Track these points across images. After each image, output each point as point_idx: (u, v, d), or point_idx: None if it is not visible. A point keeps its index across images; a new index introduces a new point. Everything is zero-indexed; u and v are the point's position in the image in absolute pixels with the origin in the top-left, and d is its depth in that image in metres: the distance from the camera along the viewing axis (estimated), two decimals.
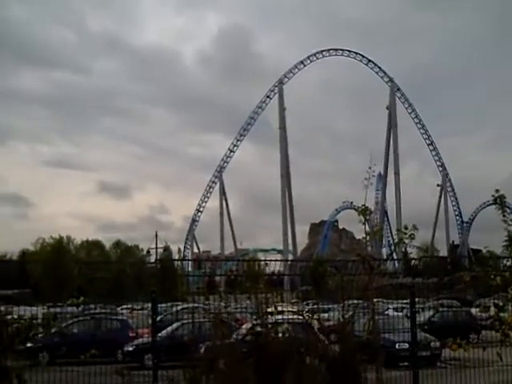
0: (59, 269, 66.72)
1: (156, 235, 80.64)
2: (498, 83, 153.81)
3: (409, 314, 10.93)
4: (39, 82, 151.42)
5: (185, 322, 17.24)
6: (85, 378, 10.20)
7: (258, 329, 7.47)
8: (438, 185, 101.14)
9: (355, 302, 12.54)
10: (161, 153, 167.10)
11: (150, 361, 13.27)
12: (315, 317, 9.25)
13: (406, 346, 12.38)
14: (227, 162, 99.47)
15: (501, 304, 8.45)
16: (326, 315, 13.90)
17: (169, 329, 17.32)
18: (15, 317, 8.43)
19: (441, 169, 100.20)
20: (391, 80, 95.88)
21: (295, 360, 7.27)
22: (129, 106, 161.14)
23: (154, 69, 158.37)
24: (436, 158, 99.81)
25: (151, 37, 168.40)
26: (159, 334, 11.49)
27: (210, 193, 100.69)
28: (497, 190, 9.12)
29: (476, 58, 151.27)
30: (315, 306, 11.59)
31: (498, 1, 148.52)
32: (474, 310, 25.96)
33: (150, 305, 10.04)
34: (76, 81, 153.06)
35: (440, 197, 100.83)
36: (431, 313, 23.97)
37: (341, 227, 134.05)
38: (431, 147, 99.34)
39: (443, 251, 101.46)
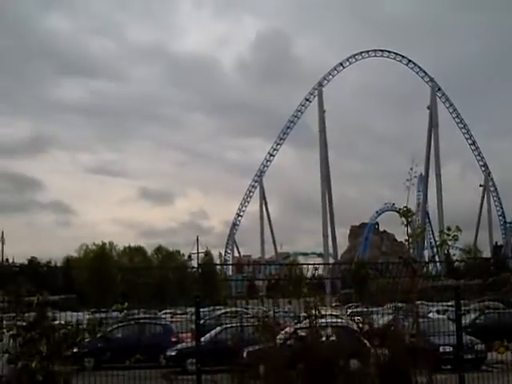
0: (102, 275, 67.56)
1: (197, 240, 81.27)
2: None
3: (452, 317, 10.79)
4: (80, 92, 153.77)
5: (228, 326, 17.34)
6: (130, 382, 10.34)
7: (301, 333, 7.47)
8: (480, 185, 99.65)
9: (398, 304, 12.45)
10: (200, 158, 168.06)
11: (192, 365, 13.38)
12: (360, 320, 9.20)
13: (450, 349, 12.21)
14: (267, 166, 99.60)
15: None
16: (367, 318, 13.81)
17: (212, 333, 17.43)
18: (62, 322, 8.60)
19: (483, 169, 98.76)
20: (432, 80, 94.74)
21: (343, 365, 7.24)
22: (168, 112, 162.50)
23: (192, 75, 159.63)
24: (478, 158, 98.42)
25: (189, 43, 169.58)
26: (202, 339, 11.55)
27: (250, 197, 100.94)
28: None
29: None
30: (358, 310, 11.55)
31: None
32: None
33: (191, 309, 10.12)
34: (116, 89, 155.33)
35: (483, 197, 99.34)
36: (475, 315, 23.64)
37: (381, 229, 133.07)
38: (473, 147, 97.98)
39: (486, 252, 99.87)
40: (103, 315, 19.10)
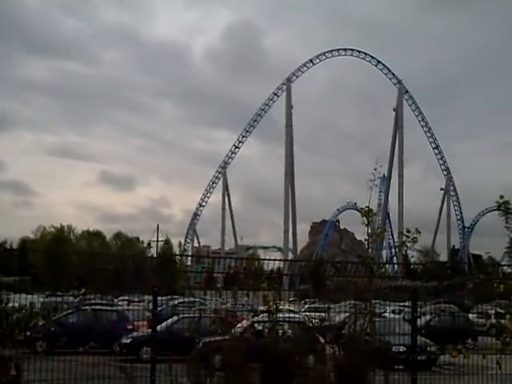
0: (59, 258, 66.68)
1: (157, 228, 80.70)
2: (506, 89, 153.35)
3: (407, 317, 10.91)
4: (47, 71, 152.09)
5: (184, 316, 17.26)
6: (82, 368, 10.22)
7: (258, 327, 7.48)
8: (441, 189, 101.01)
9: (354, 303, 12.55)
10: (166, 146, 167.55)
11: (146, 354, 13.29)
12: (316, 317, 9.25)
13: (404, 349, 12.36)
14: (232, 158, 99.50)
15: (502, 311, 8.45)
16: (323, 315, 13.89)
17: (168, 322, 17.34)
18: (15, 305, 8.45)
19: (445, 173, 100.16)
20: (399, 82, 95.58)
21: (299, 361, 7.26)
22: (136, 98, 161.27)
23: (162, 62, 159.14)
24: (441, 161, 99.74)
25: (161, 30, 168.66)
26: (157, 328, 11.51)
27: (213, 188, 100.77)
28: (501, 196, 9.12)
29: (485, 63, 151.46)
30: (314, 306, 11.61)
31: (510, 5, 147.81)
32: (471, 316, 25.93)
33: (148, 297, 10.05)
34: (84, 71, 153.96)
35: (443, 201, 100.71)
36: (429, 317, 23.96)
37: (342, 227, 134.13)
38: (436, 151, 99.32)
39: (443, 255, 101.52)
40: (58, 299, 18.82)
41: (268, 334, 7.37)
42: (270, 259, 11.25)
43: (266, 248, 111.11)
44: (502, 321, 8.32)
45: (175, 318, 17.93)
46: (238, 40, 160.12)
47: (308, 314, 11.18)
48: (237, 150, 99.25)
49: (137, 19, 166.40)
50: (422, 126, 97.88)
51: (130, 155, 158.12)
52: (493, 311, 8.90)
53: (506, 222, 8.93)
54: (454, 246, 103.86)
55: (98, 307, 22.48)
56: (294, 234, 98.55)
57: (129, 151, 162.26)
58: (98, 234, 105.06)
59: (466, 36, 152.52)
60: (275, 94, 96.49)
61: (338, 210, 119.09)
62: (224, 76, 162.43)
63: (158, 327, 13.23)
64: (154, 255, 74.77)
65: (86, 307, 20.62)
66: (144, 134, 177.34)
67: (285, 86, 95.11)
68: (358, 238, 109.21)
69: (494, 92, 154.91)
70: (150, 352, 9.63)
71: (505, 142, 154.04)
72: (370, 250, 10.97)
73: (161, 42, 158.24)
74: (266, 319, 8.22)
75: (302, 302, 34.04)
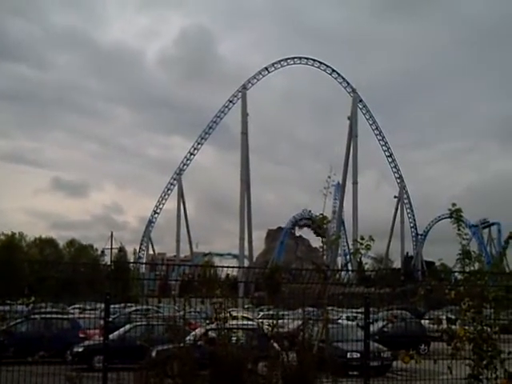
0: (9, 265, 65.16)
1: (111, 235, 79.98)
2: (456, 96, 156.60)
3: (361, 324, 10.98)
4: None
5: (137, 324, 17.05)
6: (32, 379, 9.98)
7: (212, 334, 7.41)
8: (395, 196, 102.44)
9: (309, 309, 12.57)
10: (120, 152, 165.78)
11: (99, 363, 13.07)
12: (270, 324, 9.21)
13: (357, 355, 12.43)
14: (187, 165, 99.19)
15: (453, 317, 8.56)
16: (279, 322, 13.82)
17: (120, 330, 17.11)
18: None
19: (398, 181, 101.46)
20: (354, 91, 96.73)
21: (251, 368, 7.22)
22: (90, 103, 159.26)
23: (116, 67, 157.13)
24: (394, 169, 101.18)
25: (114, 34, 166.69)
26: (110, 336, 11.33)
27: (168, 195, 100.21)
28: (453, 204, 9.25)
29: (436, 71, 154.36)
30: (269, 313, 11.58)
31: (459, 14, 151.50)
32: (424, 322, 26.23)
33: (101, 305, 9.89)
34: (36, 74, 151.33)
35: (396, 208, 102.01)
36: (383, 323, 24.15)
37: (298, 234, 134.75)
38: (390, 159, 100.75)
39: (397, 262, 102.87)
40: (6, 308, 18.39)
41: (218, 341, 7.30)
42: (226, 266, 11.22)
43: (221, 255, 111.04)
44: (453, 326, 8.43)
45: (128, 326, 17.71)
46: (193, 45, 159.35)
47: (263, 320, 11.16)
48: (192, 156, 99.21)
49: (89, 23, 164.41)
50: (376, 135, 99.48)
51: (83, 161, 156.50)
52: (444, 317, 8.98)
53: (458, 230, 9.06)
54: (407, 253, 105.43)
55: (49, 316, 22.04)
56: (250, 241, 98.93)
57: (82, 157, 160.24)
58: (50, 242, 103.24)
59: (419, 44, 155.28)
60: (231, 102, 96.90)
61: (294, 217, 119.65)
62: (179, 82, 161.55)
63: (112, 335, 13.05)
64: (108, 263, 73.90)
65: (36, 316, 20.20)
66: (98, 139, 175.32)
67: (240, 94, 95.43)
68: (314, 246, 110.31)
69: (444, 100, 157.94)
70: (102, 361, 9.48)
71: (456, 149, 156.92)
72: (324, 256, 11.01)
73: (114, 47, 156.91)
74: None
75: (257, 309, 34.03)
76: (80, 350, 19.74)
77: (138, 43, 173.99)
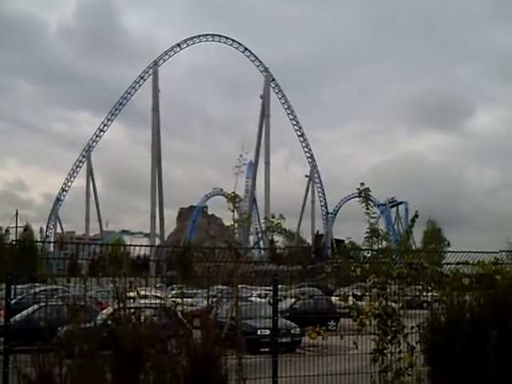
0: None
1: (16, 214, 77.49)
2: (365, 77, 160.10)
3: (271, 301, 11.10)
4: None
5: (43, 305, 16.58)
6: None
7: (120, 314, 7.29)
8: (306, 176, 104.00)
9: (221, 287, 12.61)
10: (22, 127, 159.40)
11: (1, 345, 12.64)
12: (178, 302, 9.17)
13: (268, 332, 12.58)
14: (96, 142, 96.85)
15: (359, 294, 8.79)
16: (190, 300, 13.85)
17: (24, 312, 16.59)
18: None
19: (310, 160, 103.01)
20: (266, 70, 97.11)
21: (156, 348, 7.15)
22: None
23: (17, 38, 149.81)
24: (306, 149, 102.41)
25: (13, 3, 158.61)
26: (14, 318, 10.96)
27: (77, 172, 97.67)
28: (362, 184, 9.46)
29: (349, 53, 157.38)
30: (180, 291, 11.54)
31: None
32: (333, 299, 26.83)
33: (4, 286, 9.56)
34: None
35: (307, 187, 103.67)
36: (293, 300, 24.56)
37: (210, 213, 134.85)
38: (301, 138, 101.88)
39: (309, 240, 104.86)
40: None
41: (122, 321, 7.20)
42: (137, 245, 11.07)
43: (132, 234, 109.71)
44: (359, 303, 8.65)
45: (35, 306, 17.19)
46: (95, 16, 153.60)
47: (174, 299, 11.14)
48: (102, 133, 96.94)
49: None
50: (288, 114, 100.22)
51: None
52: (350, 293, 9.22)
53: (367, 208, 9.28)
54: (318, 232, 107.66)
55: None
56: (162, 220, 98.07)
57: None
58: None
59: (333, 26, 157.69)
60: (142, 78, 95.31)
61: (206, 195, 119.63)
62: (84, 56, 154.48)
63: (18, 316, 12.63)
64: (13, 242, 71.60)
65: None
66: None
67: (151, 70, 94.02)
68: (226, 224, 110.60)
69: (356, 82, 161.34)
70: (4, 343, 9.20)
71: (365, 129, 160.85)
72: (236, 234, 11.05)
73: (13, 15, 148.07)
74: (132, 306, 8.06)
75: (169, 287, 33.88)
76: None
77: (38, 12, 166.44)
